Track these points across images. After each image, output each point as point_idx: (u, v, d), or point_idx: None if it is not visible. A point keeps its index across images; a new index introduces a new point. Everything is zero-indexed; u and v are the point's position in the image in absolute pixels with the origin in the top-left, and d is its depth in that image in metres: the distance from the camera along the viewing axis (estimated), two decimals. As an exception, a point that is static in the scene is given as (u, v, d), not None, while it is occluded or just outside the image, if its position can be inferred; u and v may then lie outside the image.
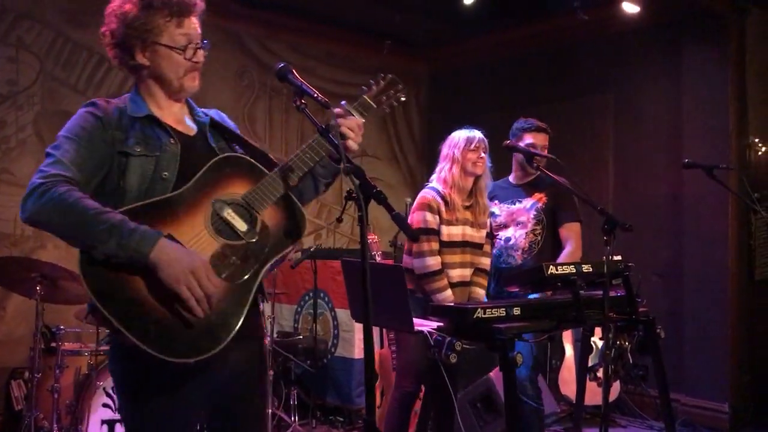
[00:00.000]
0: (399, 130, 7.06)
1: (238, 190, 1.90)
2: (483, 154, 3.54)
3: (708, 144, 5.25)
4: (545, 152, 3.76)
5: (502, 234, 3.83)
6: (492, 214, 3.85)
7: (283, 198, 1.95)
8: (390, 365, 4.24)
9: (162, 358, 1.68)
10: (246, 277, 1.84)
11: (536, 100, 6.10)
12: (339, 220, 2.01)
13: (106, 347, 3.91)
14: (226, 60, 5.91)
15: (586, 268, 2.80)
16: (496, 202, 3.88)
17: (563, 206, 3.77)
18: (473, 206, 3.58)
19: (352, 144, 2.01)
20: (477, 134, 3.57)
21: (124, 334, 1.67)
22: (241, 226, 1.87)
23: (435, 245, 3.46)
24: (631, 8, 5.18)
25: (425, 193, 3.54)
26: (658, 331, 3.06)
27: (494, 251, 3.82)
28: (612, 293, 2.91)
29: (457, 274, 3.51)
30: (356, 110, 2.06)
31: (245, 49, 6.11)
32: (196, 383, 1.85)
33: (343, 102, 2.02)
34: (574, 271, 2.76)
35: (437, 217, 3.46)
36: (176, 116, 2.01)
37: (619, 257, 2.96)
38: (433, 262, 3.42)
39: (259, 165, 1.97)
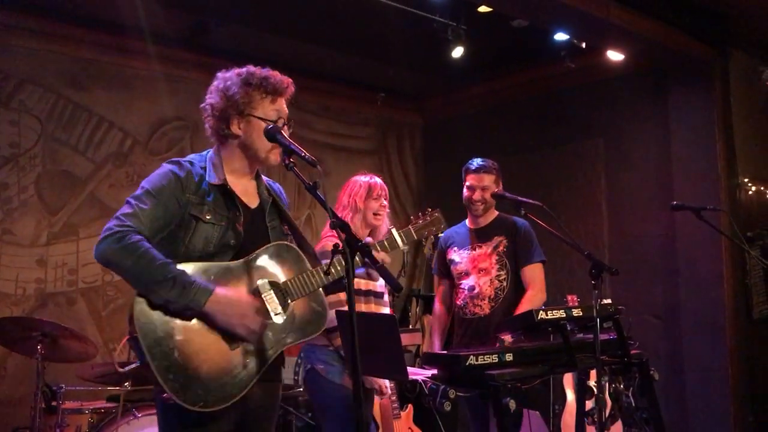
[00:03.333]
0: (396, 179, 7.16)
1: (282, 275, 2.22)
2: (385, 202, 3.35)
3: (698, 185, 5.33)
4: (486, 193, 3.64)
5: (465, 282, 3.71)
6: (452, 262, 3.77)
7: (315, 295, 2.25)
8: (390, 414, 4.23)
9: (193, 409, 1.99)
10: (265, 355, 2.13)
11: (527, 147, 6.21)
12: (327, 273, 2.10)
13: (108, 405, 4.02)
14: (223, 116, 6.01)
15: (576, 312, 2.85)
16: (455, 248, 3.79)
17: (523, 248, 3.67)
18: None
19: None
20: (378, 181, 3.37)
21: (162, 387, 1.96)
22: (274, 308, 2.16)
23: (342, 296, 3.10)
24: (615, 56, 5.33)
25: (328, 243, 3.18)
26: (651, 372, 3.08)
27: (458, 302, 3.72)
28: (604, 336, 2.94)
29: None
30: (400, 237, 2.47)
31: (242, 105, 6.22)
32: (225, 417, 2.13)
33: (391, 228, 2.43)
34: (564, 315, 2.80)
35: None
36: (245, 187, 2.29)
37: (609, 300, 3.00)
38: None
39: (305, 258, 2.28)
